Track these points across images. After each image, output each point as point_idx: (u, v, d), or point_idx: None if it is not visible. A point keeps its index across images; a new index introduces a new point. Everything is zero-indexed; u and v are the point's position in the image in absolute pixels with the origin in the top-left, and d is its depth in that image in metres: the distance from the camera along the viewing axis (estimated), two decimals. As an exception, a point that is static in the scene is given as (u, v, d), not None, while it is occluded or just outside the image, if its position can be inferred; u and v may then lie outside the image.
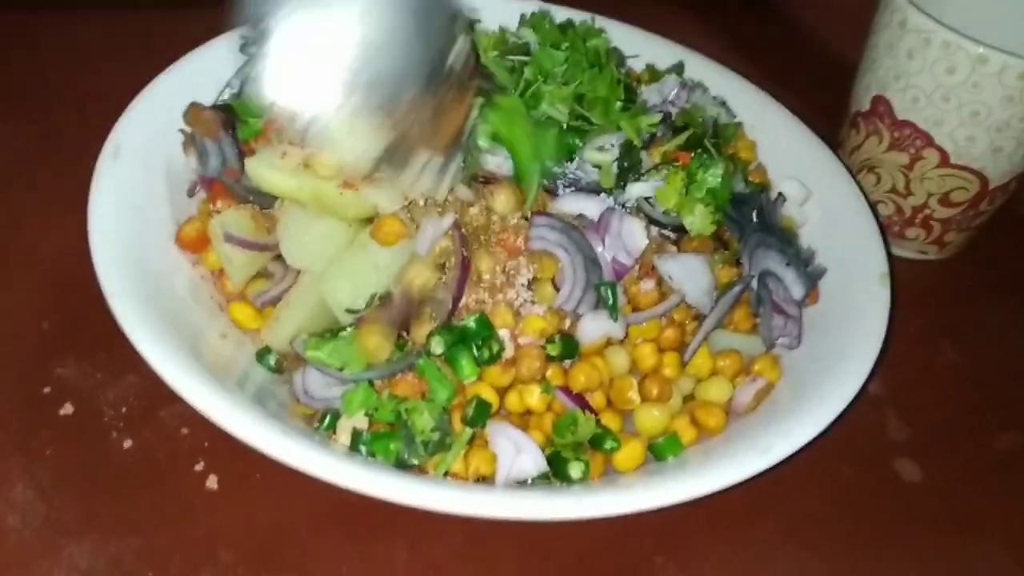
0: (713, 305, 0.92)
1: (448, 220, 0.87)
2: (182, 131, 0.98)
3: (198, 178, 0.98)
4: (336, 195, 0.88)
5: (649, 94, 1.06)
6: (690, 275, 0.91)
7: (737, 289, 0.93)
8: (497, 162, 0.89)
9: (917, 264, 1.24)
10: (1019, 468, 1.05)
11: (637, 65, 1.18)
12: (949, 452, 1.05)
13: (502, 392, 0.87)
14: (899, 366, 1.07)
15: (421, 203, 0.89)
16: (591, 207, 0.90)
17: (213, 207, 0.95)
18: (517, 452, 0.82)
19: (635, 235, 0.89)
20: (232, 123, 0.98)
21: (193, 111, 0.98)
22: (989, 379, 1.13)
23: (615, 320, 0.87)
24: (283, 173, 0.89)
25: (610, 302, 0.87)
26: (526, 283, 0.88)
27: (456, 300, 0.86)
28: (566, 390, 0.87)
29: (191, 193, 1.00)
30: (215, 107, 1.01)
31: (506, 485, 0.82)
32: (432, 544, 0.86)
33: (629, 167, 0.92)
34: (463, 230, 0.87)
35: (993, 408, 1.10)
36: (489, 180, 0.89)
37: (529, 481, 0.83)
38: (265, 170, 0.90)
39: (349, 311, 0.87)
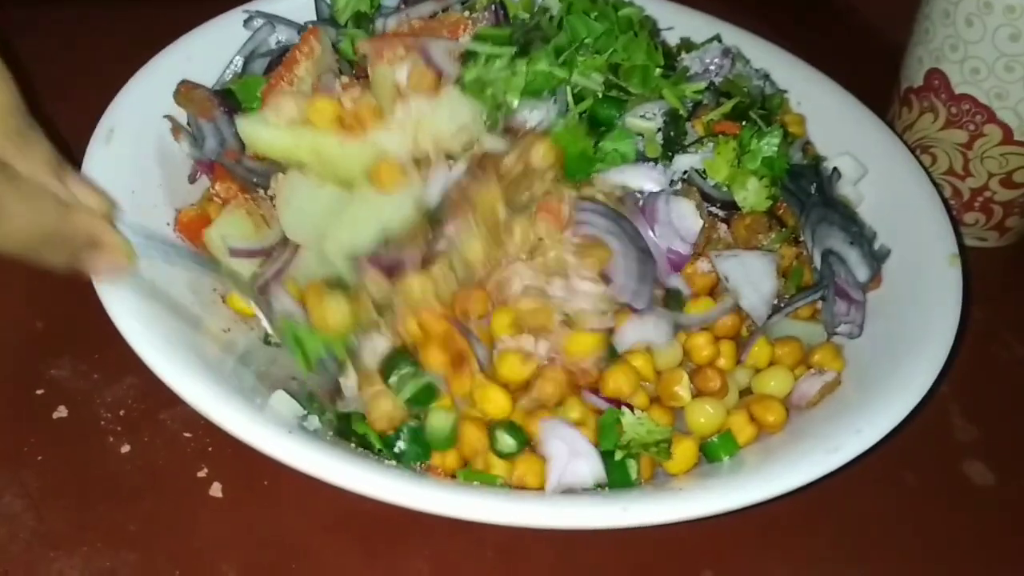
0: (771, 313, 0.85)
1: (459, 168, 0.79)
2: (169, 117, 0.93)
3: (195, 163, 0.92)
4: (337, 147, 0.80)
5: (690, 62, 1.00)
6: (750, 278, 0.83)
7: (808, 297, 0.87)
8: (532, 116, 0.81)
9: (976, 252, 1.17)
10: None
11: (671, 38, 1.12)
12: (1022, 453, 0.97)
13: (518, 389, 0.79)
14: (961, 361, 0.99)
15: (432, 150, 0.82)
16: (639, 178, 0.83)
17: (214, 192, 0.89)
18: (571, 456, 0.74)
19: (687, 218, 0.81)
20: (229, 104, 0.93)
21: (184, 90, 0.93)
22: (1059, 373, 1.06)
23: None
24: (278, 130, 0.82)
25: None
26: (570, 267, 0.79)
27: (429, 252, 0.79)
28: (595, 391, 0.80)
29: (192, 179, 0.95)
30: (212, 91, 0.96)
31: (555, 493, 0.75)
32: (457, 557, 0.80)
33: (675, 136, 0.85)
34: (500, 182, 0.78)
35: (1066, 404, 1.03)
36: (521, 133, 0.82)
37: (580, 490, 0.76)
38: (258, 128, 0.83)
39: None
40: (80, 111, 0.94)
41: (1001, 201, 1.12)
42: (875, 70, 1.21)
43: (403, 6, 0.99)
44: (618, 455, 0.77)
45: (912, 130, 1.14)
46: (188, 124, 0.95)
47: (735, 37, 1.13)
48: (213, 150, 0.91)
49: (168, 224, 0.91)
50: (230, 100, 0.95)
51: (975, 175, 1.11)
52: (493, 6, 0.91)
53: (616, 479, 0.76)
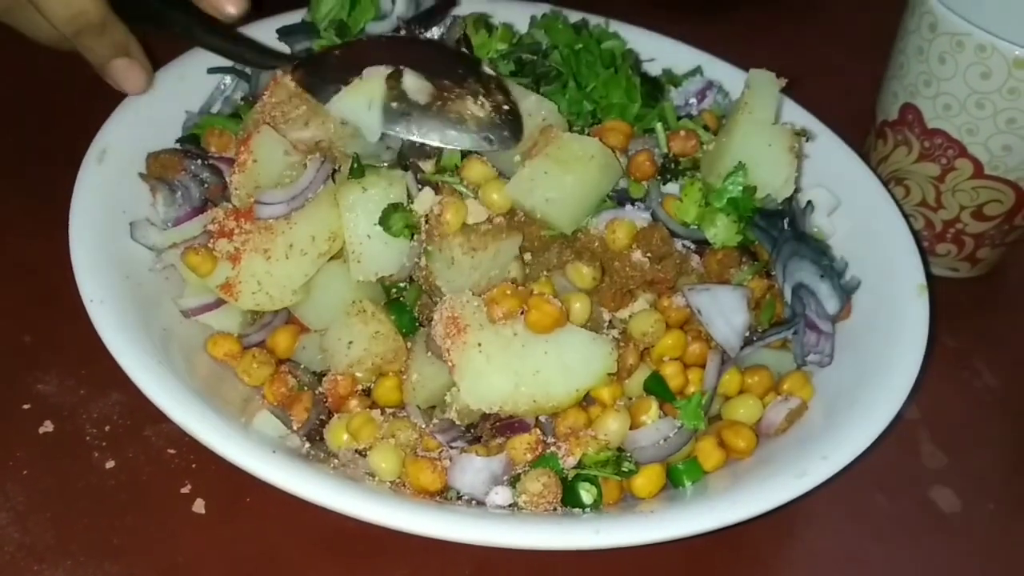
0: (743, 346, 0.87)
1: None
2: (141, 175, 0.94)
3: (183, 215, 0.92)
4: None
5: (672, 96, 1.01)
6: (722, 311, 0.85)
7: (778, 332, 0.89)
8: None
9: (948, 282, 1.19)
10: (1063, 497, 0.99)
11: (653, 69, 1.14)
12: (989, 480, 0.99)
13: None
14: (932, 388, 1.01)
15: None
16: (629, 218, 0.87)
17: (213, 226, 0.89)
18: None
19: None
20: (195, 150, 0.95)
21: (152, 162, 0.94)
22: (1028, 402, 1.08)
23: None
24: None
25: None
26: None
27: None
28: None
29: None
30: (177, 142, 0.98)
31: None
32: (436, 574, 0.81)
33: (665, 170, 0.89)
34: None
35: (1034, 433, 1.05)
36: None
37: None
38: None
39: None
40: (75, 131, 0.94)
41: (972, 233, 1.14)
42: (857, 99, 1.23)
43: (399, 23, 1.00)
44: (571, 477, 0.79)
45: (887, 162, 1.16)
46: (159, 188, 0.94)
47: (715, 69, 1.15)
48: (197, 198, 0.92)
49: (152, 247, 0.91)
50: (195, 146, 0.96)
51: (947, 207, 1.13)
52: (459, 42, 0.94)
53: (570, 501, 0.78)
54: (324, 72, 0.91)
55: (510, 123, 0.87)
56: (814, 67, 1.43)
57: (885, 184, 1.12)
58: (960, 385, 1.09)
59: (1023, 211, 1.11)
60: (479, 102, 0.87)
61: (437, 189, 0.85)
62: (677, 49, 1.18)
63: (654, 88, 0.98)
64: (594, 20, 1.10)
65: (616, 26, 1.12)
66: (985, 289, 1.21)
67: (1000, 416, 1.06)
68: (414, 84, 0.87)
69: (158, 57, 1.04)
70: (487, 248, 0.81)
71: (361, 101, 0.86)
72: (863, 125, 1.22)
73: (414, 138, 0.86)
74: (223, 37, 0.97)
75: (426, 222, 0.83)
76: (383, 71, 0.87)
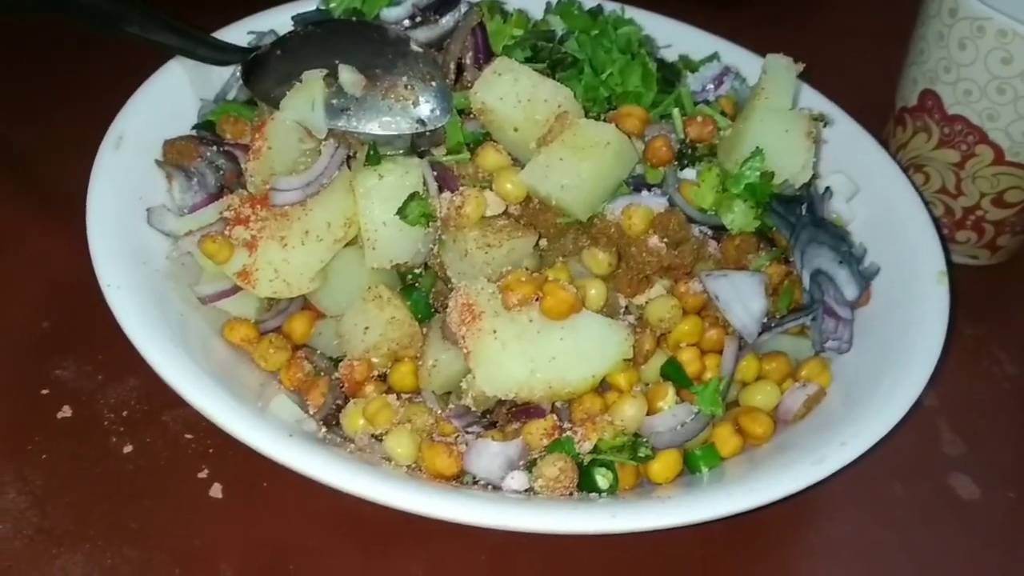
0: (760, 332, 0.86)
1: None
2: (157, 162, 0.94)
3: (199, 201, 0.92)
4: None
5: (689, 81, 1.01)
6: (740, 297, 0.85)
7: (796, 319, 0.88)
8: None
9: (968, 269, 1.19)
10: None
11: (669, 56, 1.13)
12: (1008, 468, 0.99)
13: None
14: (951, 376, 1.01)
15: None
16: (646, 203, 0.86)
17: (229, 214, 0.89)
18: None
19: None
20: (211, 137, 0.95)
21: (169, 149, 0.94)
22: (1048, 390, 1.07)
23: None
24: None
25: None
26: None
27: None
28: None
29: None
30: (194, 128, 0.98)
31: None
32: (452, 559, 0.81)
33: (682, 155, 0.89)
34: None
35: (1053, 421, 1.04)
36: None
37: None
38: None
39: None
40: (92, 117, 0.95)
41: (992, 220, 1.14)
42: (872, 89, 1.22)
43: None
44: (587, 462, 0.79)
45: (906, 149, 1.15)
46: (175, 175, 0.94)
47: (732, 55, 1.14)
48: (213, 184, 0.92)
49: (169, 233, 0.91)
50: (211, 133, 0.97)
51: (967, 194, 1.12)
52: (474, 29, 0.93)
53: (586, 486, 0.78)
54: (268, 72, 0.94)
55: (439, 100, 0.89)
56: (829, 57, 1.42)
57: (905, 171, 1.12)
58: (979, 373, 1.08)
59: (1044, 198, 1.11)
60: (408, 85, 0.89)
61: (450, 177, 0.85)
62: (693, 35, 1.17)
63: (671, 74, 0.97)
64: (609, 7, 1.09)
65: (632, 12, 1.11)
66: (1005, 277, 1.20)
67: (1020, 404, 1.05)
68: (349, 79, 0.89)
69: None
70: (502, 245, 0.82)
71: (305, 103, 0.88)
72: (880, 114, 1.21)
73: (354, 129, 0.88)
74: (179, 35, 0.98)
75: (443, 211, 0.83)
76: (319, 73, 0.89)
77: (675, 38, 1.15)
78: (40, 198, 1.08)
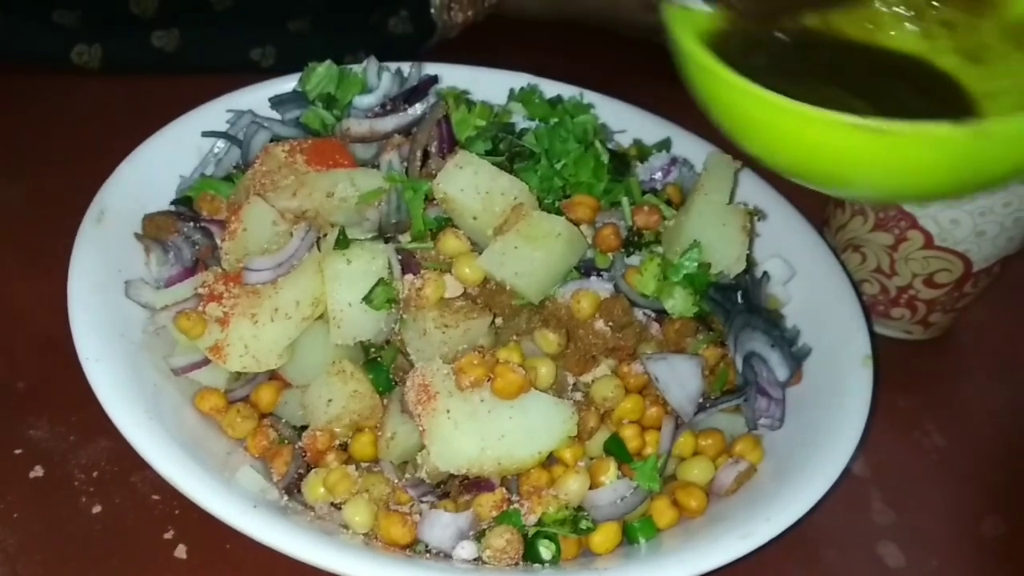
0: (696, 411, 0.92)
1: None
2: (137, 235, 0.98)
3: (175, 274, 0.96)
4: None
5: (639, 171, 1.07)
6: (678, 379, 0.90)
7: (730, 400, 0.94)
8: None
9: (901, 344, 1.24)
10: (1003, 554, 1.03)
11: (625, 139, 1.20)
12: (933, 537, 1.03)
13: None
14: (883, 447, 1.06)
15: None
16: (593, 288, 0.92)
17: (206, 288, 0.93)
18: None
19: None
20: (188, 212, 1.00)
21: (148, 223, 0.98)
22: (973, 462, 1.12)
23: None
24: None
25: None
26: None
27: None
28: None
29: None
30: (172, 203, 1.02)
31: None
32: None
33: (629, 243, 0.95)
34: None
35: (978, 492, 1.09)
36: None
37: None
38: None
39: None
40: (71, 186, 0.98)
41: (924, 299, 1.20)
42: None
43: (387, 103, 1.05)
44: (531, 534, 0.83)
45: (844, 230, 1.21)
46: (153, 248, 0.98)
47: (683, 141, 1.20)
48: (188, 258, 0.96)
49: (146, 305, 0.95)
50: (188, 208, 1.01)
51: (900, 274, 1.18)
52: (439, 120, 0.99)
53: (530, 556, 0.83)
54: None
55: None
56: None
57: (842, 252, 1.18)
58: (910, 444, 1.13)
59: (971, 280, 1.17)
60: None
61: (412, 262, 0.90)
62: (647, 120, 1.23)
63: (621, 164, 1.04)
64: (569, 91, 1.16)
65: (591, 96, 1.18)
66: (937, 352, 1.25)
67: (946, 475, 1.10)
68: None
69: (163, 116, 1.08)
70: (458, 326, 0.87)
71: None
72: (821, 196, 1.26)
73: None
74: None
75: (405, 292, 0.88)
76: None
77: (630, 123, 1.21)
78: (22, 256, 1.10)
